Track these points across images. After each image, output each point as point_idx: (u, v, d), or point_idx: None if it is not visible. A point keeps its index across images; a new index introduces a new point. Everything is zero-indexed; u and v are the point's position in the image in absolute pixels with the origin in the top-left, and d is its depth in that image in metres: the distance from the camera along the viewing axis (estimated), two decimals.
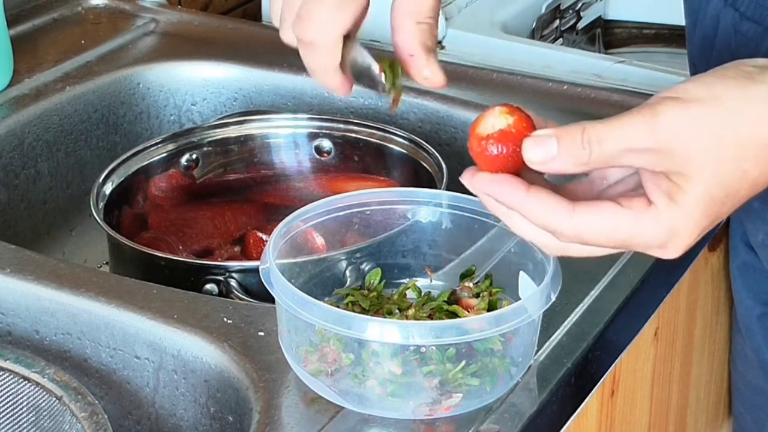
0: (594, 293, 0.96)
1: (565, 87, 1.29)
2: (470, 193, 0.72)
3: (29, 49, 1.33)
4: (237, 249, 1.20)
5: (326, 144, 1.23)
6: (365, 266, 0.96)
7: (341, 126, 1.22)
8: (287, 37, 0.80)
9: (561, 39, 1.67)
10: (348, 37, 0.78)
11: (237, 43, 1.38)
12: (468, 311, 0.88)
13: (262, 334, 0.89)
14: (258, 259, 0.88)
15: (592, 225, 0.69)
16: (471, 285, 0.91)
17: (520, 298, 0.87)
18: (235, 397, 0.87)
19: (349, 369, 0.82)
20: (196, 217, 1.21)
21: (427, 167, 1.15)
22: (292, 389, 0.85)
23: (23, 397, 0.84)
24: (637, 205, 0.69)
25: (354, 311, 0.88)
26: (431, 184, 1.12)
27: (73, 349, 0.94)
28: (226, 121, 1.24)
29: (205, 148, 1.21)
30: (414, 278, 0.95)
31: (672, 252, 0.70)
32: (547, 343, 0.90)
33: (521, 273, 0.89)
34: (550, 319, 0.90)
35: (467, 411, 0.83)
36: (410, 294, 0.92)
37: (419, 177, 1.16)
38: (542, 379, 0.87)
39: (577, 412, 0.91)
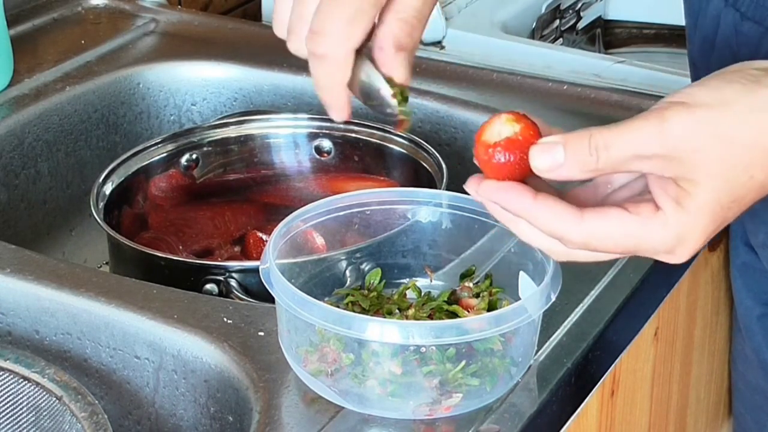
0: (594, 293, 0.96)
1: (565, 87, 1.29)
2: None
3: (29, 49, 1.33)
4: (237, 249, 1.20)
5: (326, 144, 1.23)
6: (365, 266, 0.96)
7: (341, 126, 1.22)
8: (295, 47, 0.79)
9: (561, 39, 1.67)
10: (358, 53, 0.77)
11: (237, 43, 1.38)
12: (468, 311, 0.88)
13: (262, 334, 0.89)
14: (258, 259, 0.88)
15: (599, 231, 0.69)
16: (471, 285, 0.91)
17: (520, 298, 0.87)
18: (235, 397, 0.87)
19: (349, 369, 0.82)
20: (196, 217, 1.21)
21: (427, 167, 1.15)
22: (292, 389, 0.85)
23: (23, 397, 0.84)
24: (645, 211, 0.69)
25: (354, 311, 0.88)
26: (431, 184, 1.12)
27: (73, 349, 0.94)
28: (226, 121, 1.24)
29: (205, 148, 1.21)
30: (414, 278, 0.94)
31: (680, 257, 0.70)
32: (547, 343, 0.90)
33: (521, 273, 0.89)
34: (550, 319, 0.90)
35: (467, 411, 0.83)
36: (410, 294, 0.92)
37: (419, 177, 1.16)
38: (542, 379, 0.87)
39: (577, 412, 0.91)
